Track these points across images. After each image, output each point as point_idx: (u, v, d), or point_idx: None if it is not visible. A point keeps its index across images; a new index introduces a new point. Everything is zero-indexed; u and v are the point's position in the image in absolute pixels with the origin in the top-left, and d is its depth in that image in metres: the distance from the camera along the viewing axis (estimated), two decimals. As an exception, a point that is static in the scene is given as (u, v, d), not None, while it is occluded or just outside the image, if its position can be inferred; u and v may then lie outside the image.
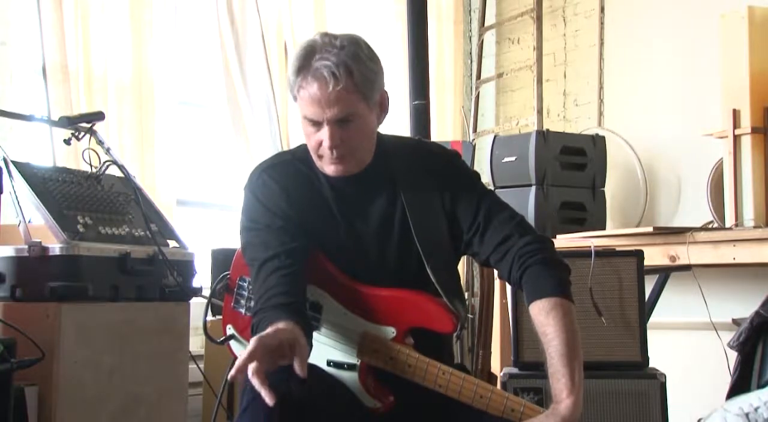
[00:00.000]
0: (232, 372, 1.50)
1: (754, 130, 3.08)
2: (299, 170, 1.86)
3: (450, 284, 1.80)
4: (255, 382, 1.47)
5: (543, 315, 1.67)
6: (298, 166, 1.86)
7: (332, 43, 1.72)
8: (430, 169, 1.86)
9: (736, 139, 3.12)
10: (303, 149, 1.89)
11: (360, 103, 1.74)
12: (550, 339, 1.64)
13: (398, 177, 1.84)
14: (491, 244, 1.79)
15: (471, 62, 5.08)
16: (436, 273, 1.78)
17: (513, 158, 3.69)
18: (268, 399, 1.47)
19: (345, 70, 1.69)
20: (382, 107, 1.83)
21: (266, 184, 1.84)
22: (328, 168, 1.79)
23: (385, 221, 1.83)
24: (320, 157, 1.78)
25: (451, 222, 1.83)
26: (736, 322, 3.13)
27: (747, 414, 2.23)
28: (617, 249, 2.75)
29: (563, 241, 3.23)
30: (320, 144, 1.76)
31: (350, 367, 1.75)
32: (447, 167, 1.88)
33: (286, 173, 1.85)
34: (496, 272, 2.14)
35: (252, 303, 1.84)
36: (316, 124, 1.74)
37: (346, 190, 1.84)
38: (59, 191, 2.59)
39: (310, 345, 1.68)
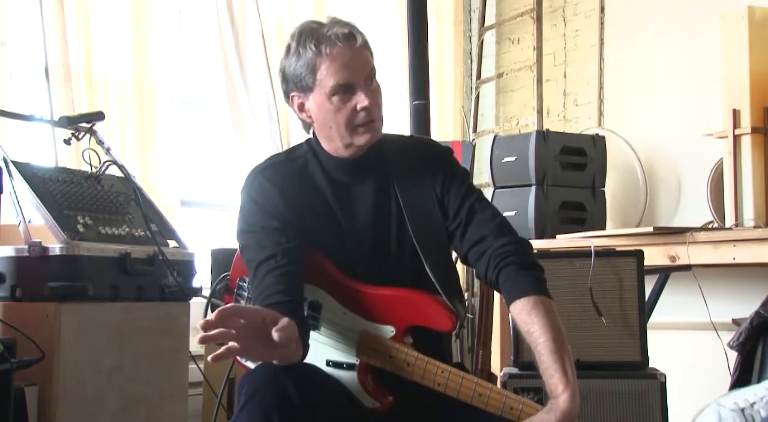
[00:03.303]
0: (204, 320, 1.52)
1: (754, 130, 3.08)
2: (295, 169, 1.86)
3: (449, 282, 1.80)
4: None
5: (525, 314, 1.67)
6: (293, 165, 1.86)
7: (325, 20, 1.78)
8: (425, 161, 1.87)
9: (736, 139, 3.12)
10: (296, 148, 1.90)
11: (373, 61, 1.79)
12: (536, 336, 1.64)
13: (393, 171, 1.84)
14: (469, 242, 1.80)
15: (471, 62, 5.08)
16: (434, 271, 1.78)
17: (513, 158, 3.68)
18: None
19: (357, 29, 1.76)
20: None
21: (262, 185, 1.83)
22: (363, 138, 1.78)
23: (382, 217, 1.83)
24: (355, 129, 1.77)
25: (442, 213, 1.83)
26: (736, 322, 3.13)
27: (743, 410, 2.21)
28: (617, 249, 2.74)
29: (563, 241, 3.22)
30: (354, 111, 1.75)
31: (349, 367, 1.75)
32: (440, 158, 1.89)
33: (281, 174, 1.85)
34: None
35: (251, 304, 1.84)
36: (348, 91, 1.74)
37: (344, 180, 1.83)
38: (59, 191, 2.59)
39: (307, 346, 1.69)
